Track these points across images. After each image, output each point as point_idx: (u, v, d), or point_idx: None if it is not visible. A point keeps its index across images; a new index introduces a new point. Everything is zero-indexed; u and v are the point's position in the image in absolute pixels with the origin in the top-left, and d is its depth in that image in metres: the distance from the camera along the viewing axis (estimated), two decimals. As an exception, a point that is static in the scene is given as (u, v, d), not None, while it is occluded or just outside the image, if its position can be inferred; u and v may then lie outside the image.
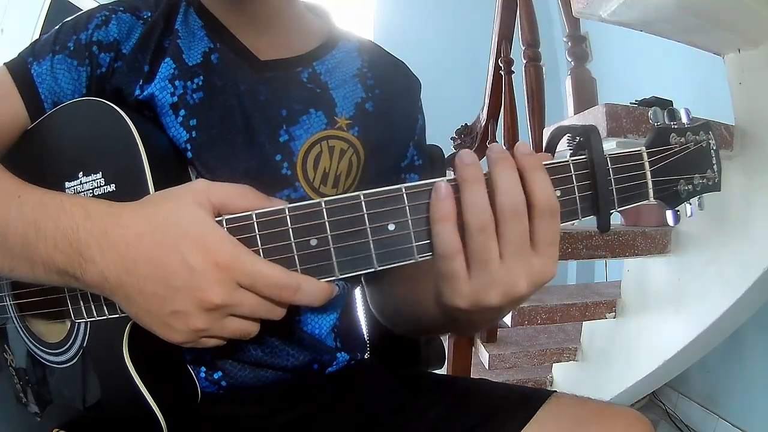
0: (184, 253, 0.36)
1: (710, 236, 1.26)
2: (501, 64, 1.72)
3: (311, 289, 0.38)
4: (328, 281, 0.39)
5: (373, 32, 3.14)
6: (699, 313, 1.26)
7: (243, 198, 0.39)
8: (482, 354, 1.68)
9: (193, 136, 0.53)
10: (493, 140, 1.82)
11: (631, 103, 1.30)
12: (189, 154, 0.53)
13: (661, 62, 2.09)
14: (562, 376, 1.76)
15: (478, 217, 0.36)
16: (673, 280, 1.36)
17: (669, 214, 0.44)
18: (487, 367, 1.67)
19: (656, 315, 1.41)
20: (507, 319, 1.46)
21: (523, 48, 1.56)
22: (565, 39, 1.68)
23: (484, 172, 0.37)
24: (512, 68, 1.70)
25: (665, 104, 1.29)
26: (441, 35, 3.09)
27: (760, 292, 1.15)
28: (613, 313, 1.52)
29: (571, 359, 1.68)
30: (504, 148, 0.38)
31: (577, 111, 1.59)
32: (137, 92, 0.53)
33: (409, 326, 0.60)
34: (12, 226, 0.40)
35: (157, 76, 0.54)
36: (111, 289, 0.38)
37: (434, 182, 0.38)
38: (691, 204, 0.45)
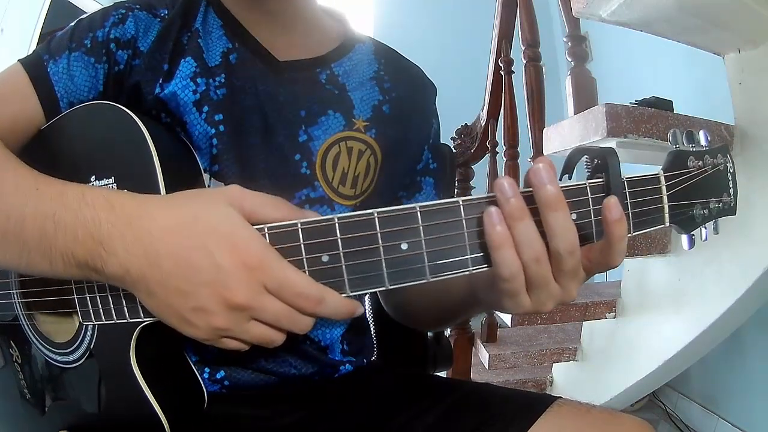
0: (212, 250, 0.35)
1: (710, 236, 1.25)
2: (501, 64, 1.72)
3: (334, 304, 0.38)
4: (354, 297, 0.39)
5: (372, 32, 3.14)
6: (699, 313, 1.26)
7: (275, 209, 0.39)
8: (482, 354, 1.68)
9: (221, 130, 0.53)
10: (494, 140, 1.82)
11: (631, 103, 1.29)
12: (215, 150, 0.53)
13: (661, 62, 2.09)
14: (562, 376, 1.76)
15: (532, 251, 0.36)
16: (673, 280, 1.36)
17: (684, 239, 0.44)
18: (487, 367, 1.66)
19: (656, 315, 1.41)
20: (507, 319, 1.46)
21: (523, 48, 1.56)
22: (565, 39, 1.68)
23: (522, 190, 0.37)
24: (512, 68, 1.70)
25: (665, 104, 1.29)
26: (441, 35, 3.09)
27: (760, 292, 1.15)
28: (613, 313, 1.52)
29: (571, 359, 1.67)
30: (558, 187, 0.37)
31: (577, 111, 1.59)
32: (157, 90, 0.53)
33: (434, 318, 0.60)
34: (29, 219, 0.39)
35: (177, 75, 0.53)
36: (132, 282, 0.37)
37: (452, 202, 0.37)
38: (706, 228, 0.44)
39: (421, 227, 0.37)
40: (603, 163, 0.39)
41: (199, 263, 0.36)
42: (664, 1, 1.05)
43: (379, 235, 0.37)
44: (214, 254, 0.35)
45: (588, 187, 0.39)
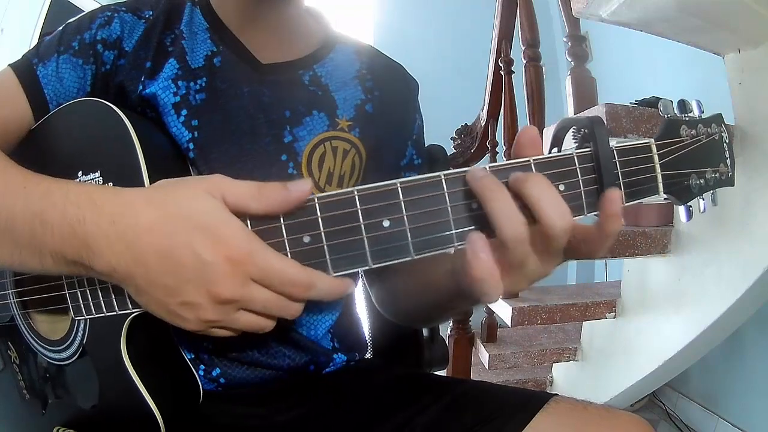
0: (195, 245, 0.35)
1: (710, 236, 1.26)
2: (501, 64, 1.72)
3: (325, 286, 0.37)
4: (341, 276, 0.38)
5: (372, 32, 3.14)
6: (699, 313, 1.26)
7: (258, 200, 0.37)
8: (482, 354, 1.68)
9: (196, 136, 0.54)
10: (494, 140, 1.82)
11: (631, 103, 1.30)
12: (191, 154, 0.54)
13: (661, 62, 2.09)
14: (562, 376, 1.76)
15: (516, 232, 0.35)
16: (673, 280, 1.36)
17: (681, 209, 0.43)
18: (487, 367, 1.67)
19: (656, 315, 1.41)
20: (507, 319, 1.46)
21: (523, 48, 1.56)
22: (565, 39, 1.68)
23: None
24: (512, 68, 1.70)
25: (665, 104, 1.29)
26: (441, 35, 3.09)
27: (760, 292, 1.15)
28: (613, 313, 1.52)
29: (571, 359, 1.68)
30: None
31: (577, 111, 1.59)
32: (140, 88, 0.54)
33: (420, 312, 0.59)
34: (19, 218, 0.39)
35: (161, 76, 0.54)
36: (120, 279, 0.37)
37: (434, 176, 0.36)
38: (704, 199, 0.43)
39: (402, 203, 0.36)
40: (590, 132, 0.38)
41: (184, 260, 0.35)
42: (664, 1, 1.05)
43: (359, 212, 0.36)
44: (197, 250, 0.35)
45: (575, 157, 0.38)
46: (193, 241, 0.35)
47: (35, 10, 1.92)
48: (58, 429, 0.50)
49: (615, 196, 0.36)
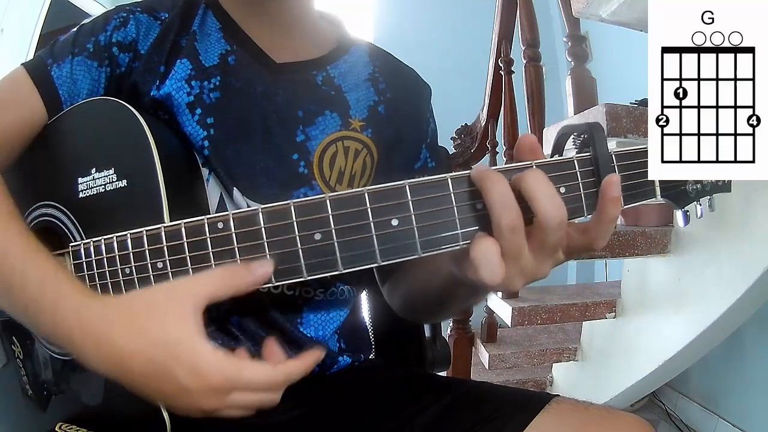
0: (176, 375, 0.38)
1: (710, 236, 1.26)
2: (501, 64, 1.72)
3: (299, 373, 0.42)
4: (316, 351, 0.43)
5: (372, 32, 3.14)
6: (699, 313, 1.26)
7: (227, 289, 0.40)
8: (482, 354, 1.69)
9: (212, 133, 0.54)
10: (493, 140, 1.82)
11: (631, 103, 1.30)
12: (206, 152, 0.54)
13: (661, 62, 2.09)
14: (562, 376, 1.76)
15: (510, 219, 0.36)
16: (673, 280, 1.36)
17: (678, 214, 0.44)
18: (487, 367, 1.67)
19: (656, 315, 1.41)
20: (507, 319, 1.46)
21: (523, 48, 1.57)
22: (565, 39, 1.68)
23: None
24: (512, 68, 1.70)
25: (665, 104, 1.29)
26: (441, 35, 3.10)
27: (760, 292, 1.15)
28: (613, 313, 1.52)
29: (571, 359, 1.68)
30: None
31: (577, 111, 1.59)
32: (153, 92, 0.54)
33: (427, 303, 0.60)
34: (16, 295, 0.42)
35: (173, 77, 0.54)
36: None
37: (440, 178, 0.38)
38: (701, 205, 0.44)
39: (410, 202, 0.38)
40: (590, 137, 0.40)
41: (168, 386, 0.39)
42: (664, 1, 1.05)
43: (369, 211, 0.38)
44: (179, 380, 0.38)
45: (576, 161, 0.39)
46: (176, 372, 0.38)
47: (35, 10, 1.91)
48: (61, 425, 0.50)
49: (614, 180, 0.37)
